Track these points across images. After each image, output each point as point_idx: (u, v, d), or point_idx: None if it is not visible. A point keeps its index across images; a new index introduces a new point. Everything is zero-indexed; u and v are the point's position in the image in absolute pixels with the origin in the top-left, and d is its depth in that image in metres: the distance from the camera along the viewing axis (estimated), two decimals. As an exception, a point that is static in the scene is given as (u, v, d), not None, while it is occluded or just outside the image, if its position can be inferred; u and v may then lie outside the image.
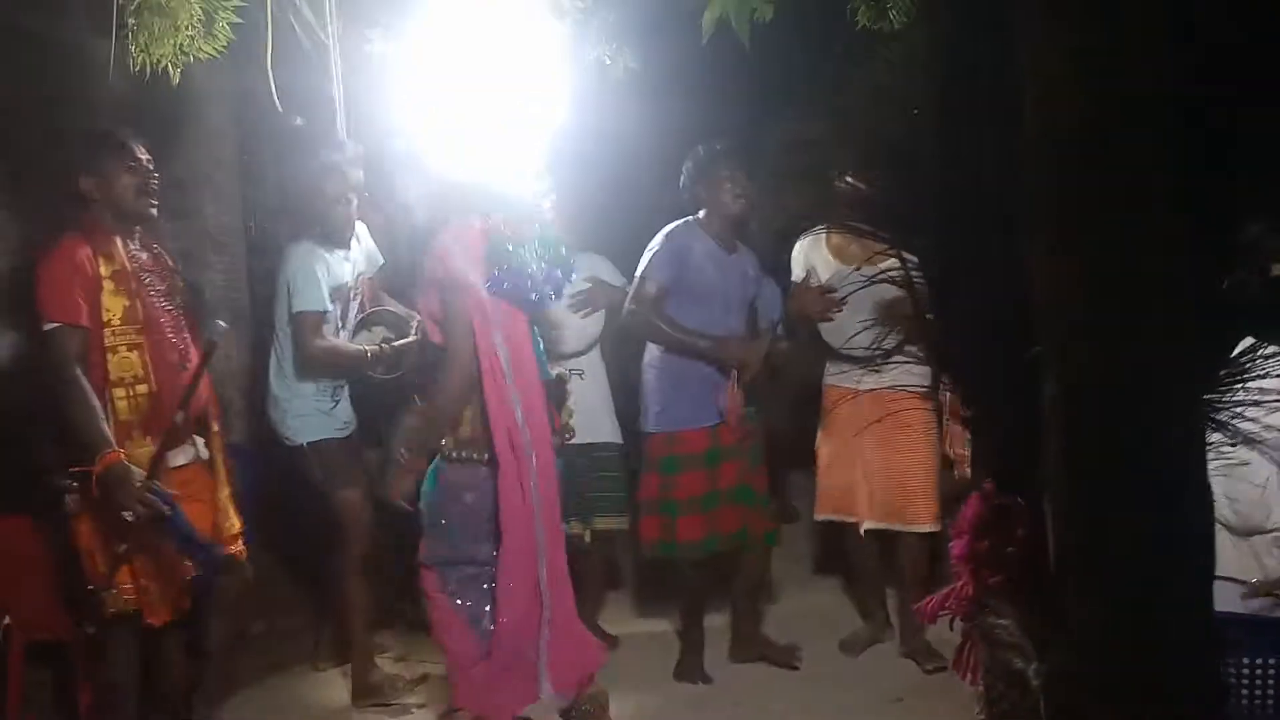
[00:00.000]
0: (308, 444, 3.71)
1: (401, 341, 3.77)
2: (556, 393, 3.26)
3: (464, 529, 3.08)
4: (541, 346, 3.26)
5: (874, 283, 1.82)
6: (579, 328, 4.08)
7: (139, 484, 2.89)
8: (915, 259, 1.75)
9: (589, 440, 3.90)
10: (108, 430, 2.93)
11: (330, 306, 3.69)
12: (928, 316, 1.79)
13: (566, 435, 3.29)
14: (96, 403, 2.94)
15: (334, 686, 3.93)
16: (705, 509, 3.78)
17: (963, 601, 1.92)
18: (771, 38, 3.60)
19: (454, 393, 3.05)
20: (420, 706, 3.72)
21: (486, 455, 3.04)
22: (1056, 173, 1.45)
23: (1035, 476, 1.65)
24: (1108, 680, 1.62)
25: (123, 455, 2.91)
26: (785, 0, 3.52)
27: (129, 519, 2.89)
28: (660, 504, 3.82)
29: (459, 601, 3.09)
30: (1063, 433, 1.55)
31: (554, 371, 3.35)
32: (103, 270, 3.00)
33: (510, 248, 3.07)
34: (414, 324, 3.84)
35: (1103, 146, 1.41)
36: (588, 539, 4.09)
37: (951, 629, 2.07)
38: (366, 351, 3.73)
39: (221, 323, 3.23)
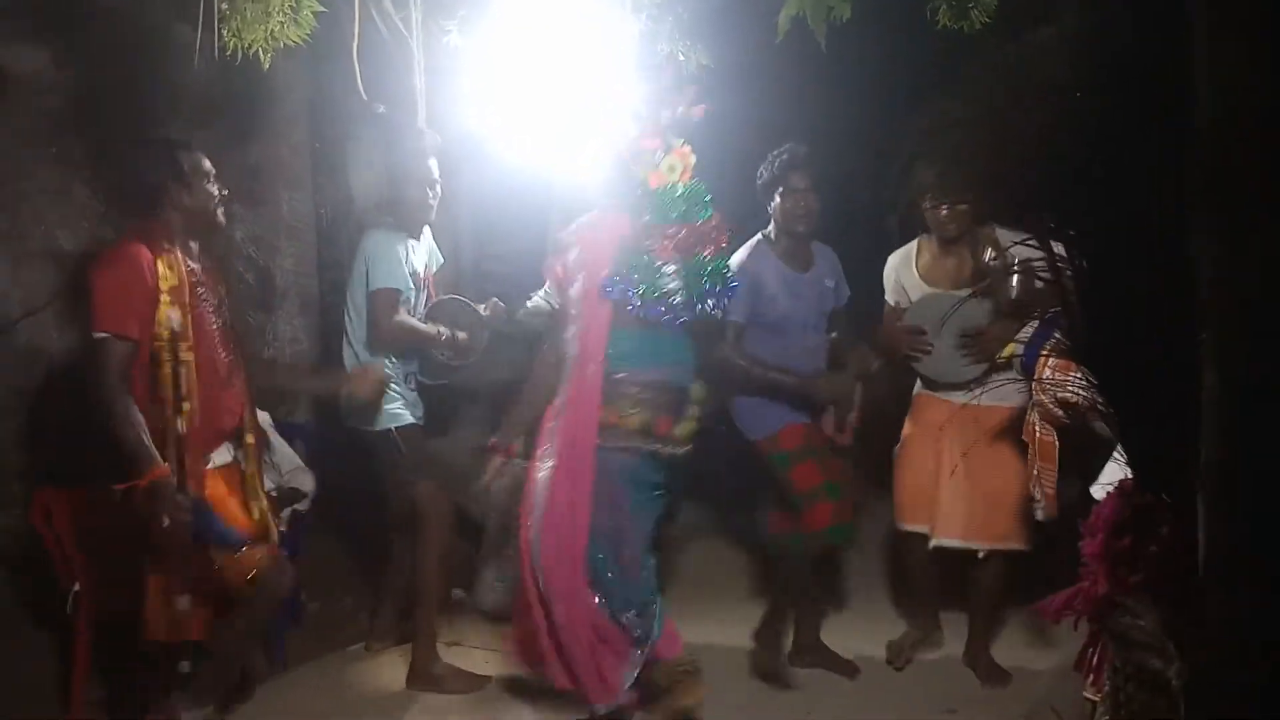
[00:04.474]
0: (396, 429, 3.68)
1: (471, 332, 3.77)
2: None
3: None
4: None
5: (1014, 272, 1.77)
6: None
7: (178, 498, 2.82)
8: (1062, 250, 1.71)
9: None
10: (151, 445, 2.82)
11: (409, 286, 3.68)
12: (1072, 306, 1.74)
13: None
14: (139, 417, 2.83)
15: (387, 667, 3.90)
16: (829, 498, 3.68)
17: (1092, 601, 1.87)
18: (850, 36, 3.55)
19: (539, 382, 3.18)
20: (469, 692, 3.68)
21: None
22: (1233, 160, 1.42)
23: (1185, 474, 1.61)
24: (1256, 683, 1.59)
25: (168, 470, 2.82)
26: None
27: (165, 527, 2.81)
28: (783, 499, 3.78)
29: None
30: (1224, 428, 1.51)
31: None
32: (161, 282, 2.89)
33: (645, 258, 3.14)
34: (482, 311, 3.84)
35: (1286, 134, 1.38)
36: None
37: (1075, 629, 2.04)
38: (439, 332, 3.72)
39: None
